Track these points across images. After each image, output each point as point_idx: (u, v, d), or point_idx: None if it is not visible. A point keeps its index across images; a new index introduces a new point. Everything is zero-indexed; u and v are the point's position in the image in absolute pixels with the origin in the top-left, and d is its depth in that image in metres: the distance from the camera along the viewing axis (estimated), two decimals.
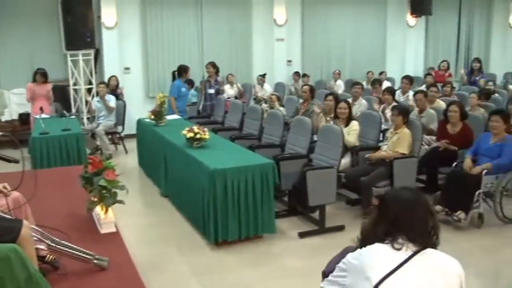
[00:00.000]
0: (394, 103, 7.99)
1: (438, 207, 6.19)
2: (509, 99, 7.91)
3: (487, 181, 6.05)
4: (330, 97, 7.58)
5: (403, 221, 2.27)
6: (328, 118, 7.33)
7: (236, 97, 11.34)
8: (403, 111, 6.64)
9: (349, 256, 2.32)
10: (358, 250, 2.33)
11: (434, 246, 2.31)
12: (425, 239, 2.28)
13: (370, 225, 2.43)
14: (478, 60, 12.70)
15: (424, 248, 2.25)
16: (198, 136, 6.29)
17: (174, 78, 10.76)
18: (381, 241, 2.29)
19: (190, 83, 11.25)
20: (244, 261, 5.28)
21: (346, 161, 6.69)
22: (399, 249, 2.23)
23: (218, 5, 12.49)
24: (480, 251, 5.65)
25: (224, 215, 5.38)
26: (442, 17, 15.46)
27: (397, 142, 6.43)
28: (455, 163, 6.46)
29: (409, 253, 2.23)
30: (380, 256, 2.24)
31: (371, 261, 2.23)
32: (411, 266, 2.21)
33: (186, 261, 5.31)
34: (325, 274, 2.54)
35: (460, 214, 6.00)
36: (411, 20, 14.72)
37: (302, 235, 5.88)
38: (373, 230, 2.37)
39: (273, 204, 5.71)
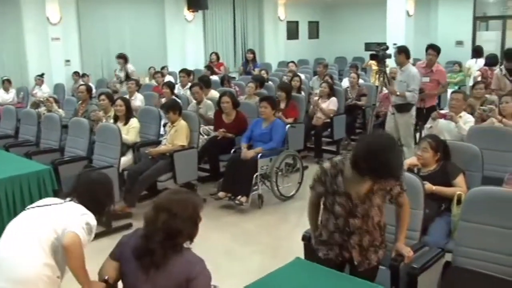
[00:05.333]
0: (173, 97, 8.10)
1: (222, 194, 6.47)
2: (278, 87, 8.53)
3: (262, 163, 6.44)
4: (103, 96, 7.42)
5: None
6: (105, 119, 7.19)
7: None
8: (171, 107, 6.69)
9: None
10: None
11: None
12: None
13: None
14: (251, 51, 13.46)
15: None
16: None
17: None
18: None
19: None
20: None
21: (128, 158, 6.65)
22: None
23: None
24: (261, 229, 6.04)
25: (0, 229, 5.03)
26: (218, 12, 16.13)
27: (175, 135, 6.53)
28: (233, 149, 6.79)
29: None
30: None
31: None
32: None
33: None
34: None
35: (242, 198, 6.33)
36: (188, 15, 15.06)
37: None
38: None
39: None
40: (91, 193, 3.13)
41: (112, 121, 6.97)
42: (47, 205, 3.09)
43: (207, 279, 2.66)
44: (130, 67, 10.93)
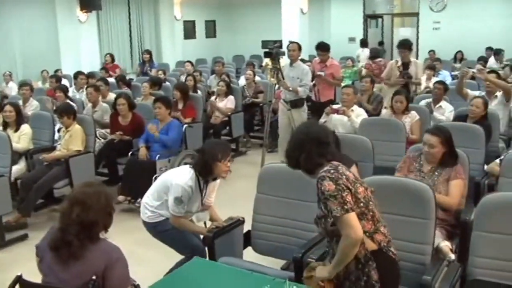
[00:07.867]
0: (67, 101, 7.86)
1: (121, 197, 6.38)
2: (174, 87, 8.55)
3: (161, 165, 6.38)
4: None
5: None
6: None
7: None
8: (65, 111, 6.48)
9: None
10: None
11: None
12: None
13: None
14: (147, 51, 13.37)
15: None
16: None
17: None
18: None
19: None
20: None
21: (20, 166, 6.41)
22: None
23: None
24: None
25: None
26: (112, 12, 15.78)
27: (70, 140, 6.35)
28: (131, 152, 6.72)
29: None
30: None
31: None
32: None
33: None
34: None
35: (141, 201, 6.25)
36: (82, 15, 14.58)
37: None
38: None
39: None
40: (199, 160, 4.17)
41: (0, 128, 6.68)
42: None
43: (124, 266, 2.80)
44: None
